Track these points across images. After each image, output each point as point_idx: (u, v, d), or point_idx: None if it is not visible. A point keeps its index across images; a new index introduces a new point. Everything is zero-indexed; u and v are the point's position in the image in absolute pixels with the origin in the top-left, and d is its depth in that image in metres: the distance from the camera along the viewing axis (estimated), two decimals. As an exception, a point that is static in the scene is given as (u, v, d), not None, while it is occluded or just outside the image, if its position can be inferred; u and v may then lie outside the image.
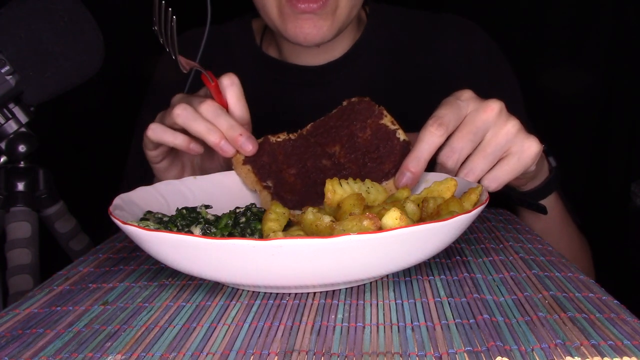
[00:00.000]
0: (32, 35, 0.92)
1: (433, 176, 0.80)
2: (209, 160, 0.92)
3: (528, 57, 1.74)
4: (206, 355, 0.49)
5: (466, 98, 0.79)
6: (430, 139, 0.76)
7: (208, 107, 0.81)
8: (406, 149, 0.80)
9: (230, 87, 0.82)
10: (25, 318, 0.58)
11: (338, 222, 0.63)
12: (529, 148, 0.78)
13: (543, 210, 0.94)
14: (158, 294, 0.63)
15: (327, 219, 0.64)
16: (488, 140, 0.78)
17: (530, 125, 1.10)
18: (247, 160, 0.82)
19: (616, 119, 1.84)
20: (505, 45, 1.18)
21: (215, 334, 0.53)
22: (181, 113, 0.80)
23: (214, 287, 0.64)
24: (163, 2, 0.79)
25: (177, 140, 0.82)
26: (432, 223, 0.57)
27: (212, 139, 0.80)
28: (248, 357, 0.48)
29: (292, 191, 0.80)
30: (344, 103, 0.86)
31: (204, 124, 0.80)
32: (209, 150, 0.87)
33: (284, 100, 1.06)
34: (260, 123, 0.90)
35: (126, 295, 0.63)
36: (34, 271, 1.02)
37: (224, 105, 0.83)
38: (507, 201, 0.94)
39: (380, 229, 0.59)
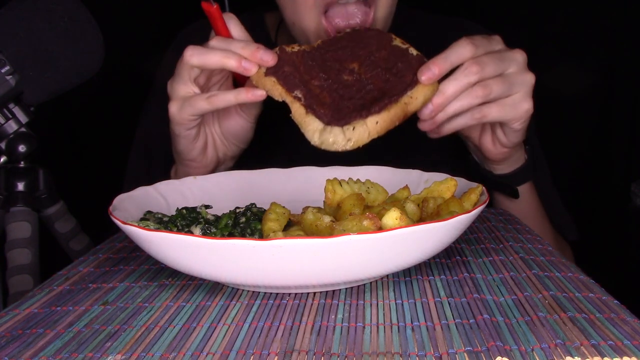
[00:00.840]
0: (32, 35, 0.92)
1: (433, 176, 0.80)
2: (227, 118, 0.90)
3: (528, 57, 1.74)
4: (206, 355, 0.49)
5: (497, 39, 0.84)
6: (460, 50, 0.79)
7: (216, 40, 0.81)
8: (422, 61, 0.81)
9: (231, 18, 0.83)
10: (25, 318, 0.58)
11: (338, 222, 0.63)
12: (525, 104, 0.82)
13: (515, 193, 0.95)
14: (158, 294, 0.63)
15: (327, 219, 0.64)
16: (508, 74, 0.81)
17: (535, 134, 1.11)
18: (270, 71, 0.80)
19: (616, 119, 1.84)
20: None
21: (215, 334, 0.53)
22: (193, 52, 0.80)
23: (214, 287, 0.64)
24: None
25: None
26: (432, 223, 0.57)
27: (232, 62, 0.79)
28: (248, 357, 0.48)
29: (323, 104, 0.78)
30: (348, 30, 0.87)
31: (219, 52, 0.80)
32: (224, 109, 0.86)
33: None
34: (273, 120, 0.90)
35: (126, 295, 0.63)
36: (34, 271, 1.02)
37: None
38: (484, 183, 0.95)
39: (380, 229, 0.59)
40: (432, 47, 0.88)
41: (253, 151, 0.97)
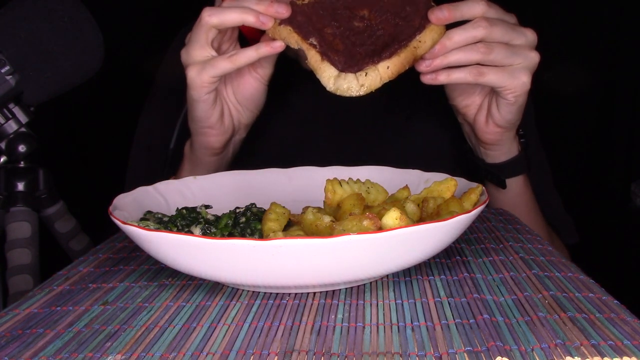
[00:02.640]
0: (32, 35, 0.92)
1: (433, 176, 0.80)
2: (241, 82, 0.91)
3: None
4: (206, 355, 0.49)
5: (512, 15, 0.85)
6: (473, 4, 0.80)
7: (228, 1, 0.82)
8: (429, 4, 0.82)
9: None
10: (25, 318, 0.58)
11: (338, 222, 0.63)
12: (524, 76, 0.84)
13: (502, 183, 0.96)
14: (158, 294, 0.63)
15: (327, 219, 0.64)
16: (513, 44, 0.82)
17: (537, 137, 1.10)
18: (284, 21, 0.82)
19: (616, 119, 1.84)
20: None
21: (215, 334, 0.53)
22: (211, 13, 0.81)
23: (214, 287, 0.64)
24: None
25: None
26: (432, 223, 0.57)
27: (250, 17, 0.81)
28: (248, 357, 0.48)
29: (336, 51, 0.80)
30: None
31: (236, 9, 0.81)
32: (238, 73, 0.88)
33: (298, 104, 1.05)
34: (272, 112, 0.91)
35: (126, 295, 0.63)
36: (34, 271, 1.02)
37: None
38: (475, 171, 0.97)
39: (380, 229, 0.59)
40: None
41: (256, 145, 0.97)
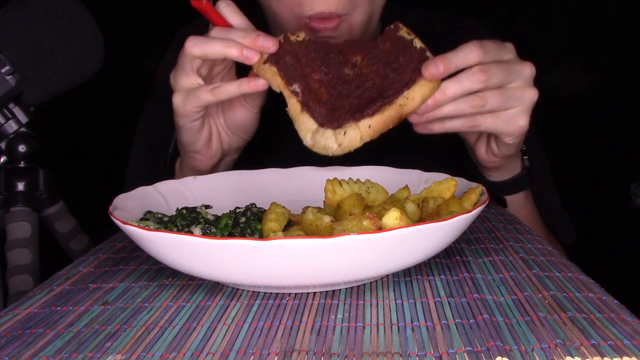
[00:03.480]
0: (32, 35, 0.92)
1: (433, 176, 0.80)
2: (231, 109, 0.90)
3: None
4: (206, 355, 0.49)
5: (509, 47, 0.82)
6: (469, 53, 0.77)
7: (216, 30, 0.81)
8: (423, 56, 0.80)
9: (227, 7, 0.82)
10: (25, 318, 0.58)
11: (338, 222, 0.63)
12: (521, 120, 0.81)
13: (503, 203, 0.95)
14: (158, 294, 0.63)
15: (327, 219, 0.64)
16: (509, 87, 0.79)
17: (537, 136, 1.10)
18: (271, 59, 0.79)
19: (616, 119, 1.84)
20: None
21: (215, 334, 0.53)
22: (194, 43, 0.79)
23: (214, 287, 0.64)
24: None
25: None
26: (432, 223, 0.57)
27: (234, 51, 0.78)
28: (248, 357, 0.48)
29: (319, 101, 0.78)
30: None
31: (219, 41, 0.79)
32: (228, 100, 0.86)
33: None
34: (269, 125, 0.90)
35: (126, 295, 0.63)
36: (34, 271, 1.02)
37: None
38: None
39: (380, 229, 0.59)
40: (439, 47, 0.88)
41: (255, 145, 0.96)
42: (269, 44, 0.78)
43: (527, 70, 0.81)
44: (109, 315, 0.58)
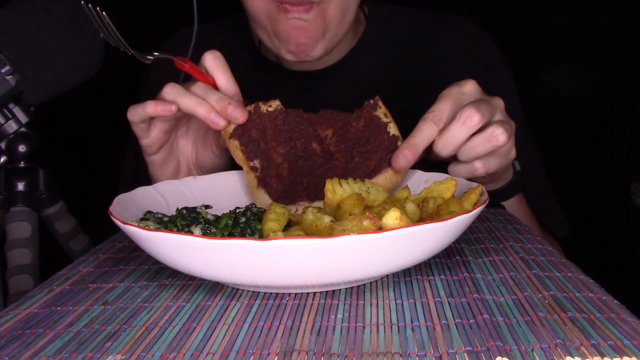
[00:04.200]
0: (32, 35, 0.92)
1: (433, 176, 0.80)
2: (204, 151, 0.91)
3: (528, 57, 1.74)
4: (206, 355, 0.49)
5: (468, 91, 0.82)
6: (427, 131, 0.79)
7: (198, 86, 0.82)
8: (394, 144, 0.80)
9: (213, 60, 0.83)
10: (25, 318, 0.58)
11: (338, 222, 0.63)
12: (512, 151, 0.84)
13: (500, 207, 0.96)
14: (158, 294, 0.63)
15: (327, 219, 0.64)
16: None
17: (527, 130, 1.10)
18: (236, 134, 0.81)
19: (616, 119, 1.84)
20: (505, 45, 1.18)
21: (215, 334, 0.53)
22: (170, 90, 0.81)
23: (214, 287, 0.64)
24: (89, 5, 0.80)
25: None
26: (432, 223, 0.57)
27: (202, 111, 0.80)
28: (248, 357, 0.48)
29: (278, 177, 0.79)
30: None
31: (193, 98, 0.81)
32: (203, 140, 0.88)
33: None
34: None
35: (126, 295, 0.63)
36: (34, 271, 1.02)
37: (212, 85, 0.84)
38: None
39: (380, 229, 0.59)
40: (417, 44, 0.88)
41: None
42: (238, 114, 0.80)
43: (500, 102, 0.83)
44: (109, 315, 0.58)
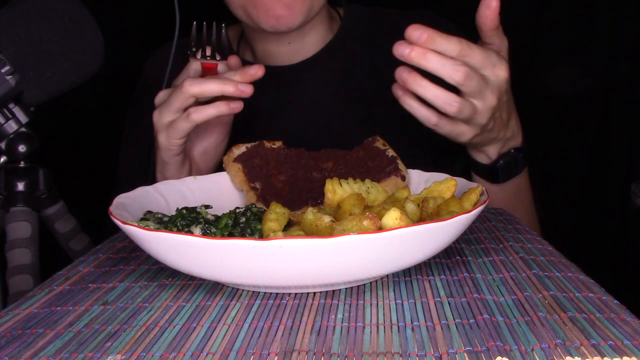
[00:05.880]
0: (32, 35, 0.92)
1: (433, 176, 0.80)
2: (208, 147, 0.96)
3: (528, 57, 1.74)
4: (206, 355, 0.49)
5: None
6: (448, 44, 0.78)
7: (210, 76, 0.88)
8: (393, 162, 0.82)
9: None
10: (25, 318, 0.58)
11: (338, 222, 0.63)
12: (491, 98, 0.81)
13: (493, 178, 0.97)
14: (158, 294, 0.63)
15: (327, 219, 0.64)
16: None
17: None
18: (239, 159, 0.84)
19: (616, 120, 1.84)
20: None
21: (215, 334, 0.53)
22: (192, 83, 0.85)
23: (214, 287, 0.64)
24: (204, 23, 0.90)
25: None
26: (432, 223, 0.57)
27: (230, 87, 0.85)
28: (248, 357, 0.48)
29: (278, 196, 0.81)
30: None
31: (216, 80, 0.86)
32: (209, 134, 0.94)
33: (261, 101, 1.06)
34: (238, 124, 0.95)
35: (126, 295, 0.63)
36: (34, 271, 1.02)
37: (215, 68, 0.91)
38: (470, 168, 0.99)
39: (380, 229, 0.59)
40: (389, 40, 0.89)
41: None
42: (255, 70, 0.87)
43: (494, 55, 0.82)
44: (109, 315, 0.58)
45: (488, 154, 0.94)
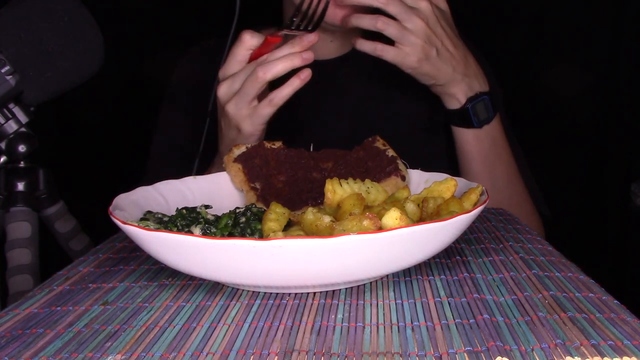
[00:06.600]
0: (32, 35, 0.92)
1: (433, 176, 0.80)
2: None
3: (528, 57, 1.74)
4: (206, 355, 0.49)
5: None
6: None
7: (271, 54, 0.92)
8: (393, 162, 0.82)
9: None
10: (25, 318, 0.58)
11: (338, 222, 0.63)
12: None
13: (463, 122, 1.06)
14: (158, 294, 0.63)
15: (327, 219, 0.64)
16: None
17: (508, 124, 1.14)
18: (239, 159, 0.84)
19: (616, 119, 1.84)
20: (505, 44, 1.18)
21: (215, 334, 0.53)
22: (264, 69, 0.90)
23: (214, 287, 0.64)
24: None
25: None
26: (432, 223, 0.57)
27: (297, 60, 0.91)
28: (248, 357, 0.48)
29: (278, 196, 0.81)
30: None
31: (281, 60, 0.91)
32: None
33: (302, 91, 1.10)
34: (282, 114, 0.97)
35: (126, 295, 0.63)
36: (34, 271, 1.02)
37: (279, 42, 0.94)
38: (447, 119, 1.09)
39: (380, 229, 0.59)
40: None
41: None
42: (310, 37, 0.92)
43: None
44: (109, 315, 0.58)
45: (458, 98, 1.04)
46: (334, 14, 1.04)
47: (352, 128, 1.15)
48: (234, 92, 0.93)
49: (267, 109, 0.92)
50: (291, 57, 0.90)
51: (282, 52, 0.91)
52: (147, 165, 1.23)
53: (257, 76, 0.90)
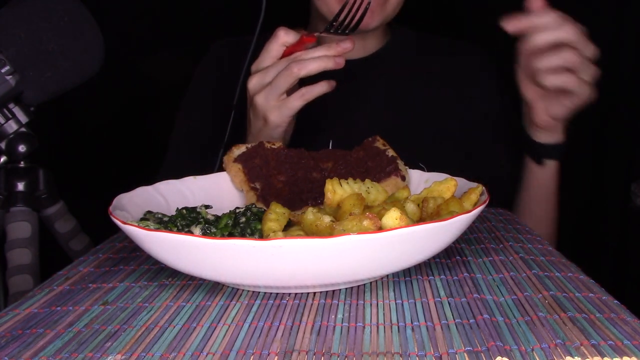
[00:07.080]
0: (32, 35, 0.92)
1: (433, 176, 0.80)
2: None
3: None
4: (206, 355, 0.49)
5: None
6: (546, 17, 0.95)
7: (304, 53, 0.94)
8: (393, 162, 0.82)
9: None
10: (25, 318, 0.58)
11: (338, 222, 0.63)
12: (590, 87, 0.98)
13: (539, 159, 1.07)
14: (158, 294, 0.63)
15: (327, 219, 0.64)
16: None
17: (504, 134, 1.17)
18: (239, 159, 0.85)
19: (616, 119, 1.84)
20: (505, 44, 1.18)
21: (215, 334, 0.53)
22: (300, 66, 0.91)
23: (214, 287, 0.64)
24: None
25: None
26: (432, 223, 0.57)
27: (330, 63, 0.92)
28: (248, 357, 0.48)
29: (278, 196, 0.81)
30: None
31: (315, 60, 0.92)
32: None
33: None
34: (311, 110, 0.98)
35: (126, 295, 0.63)
36: (34, 271, 1.02)
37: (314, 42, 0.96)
38: (522, 143, 1.08)
39: (380, 229, 0.59)
40: (432, 67, 0.97)
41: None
42: (346, 44, 0.93)
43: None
44: (109, 315, 0.58)
45: (560, 132, 1.04)
46: (369, 21, 1.04)
47: (373, 128, 1.15)
48: (264, 85, 0.94)
49: (298, 102, 0.94)
50: (326, 60, 0.92)
51: (319, 53, 0.93)
52: (165, 157, 1.24)
53: (292, 71, 0.91)
